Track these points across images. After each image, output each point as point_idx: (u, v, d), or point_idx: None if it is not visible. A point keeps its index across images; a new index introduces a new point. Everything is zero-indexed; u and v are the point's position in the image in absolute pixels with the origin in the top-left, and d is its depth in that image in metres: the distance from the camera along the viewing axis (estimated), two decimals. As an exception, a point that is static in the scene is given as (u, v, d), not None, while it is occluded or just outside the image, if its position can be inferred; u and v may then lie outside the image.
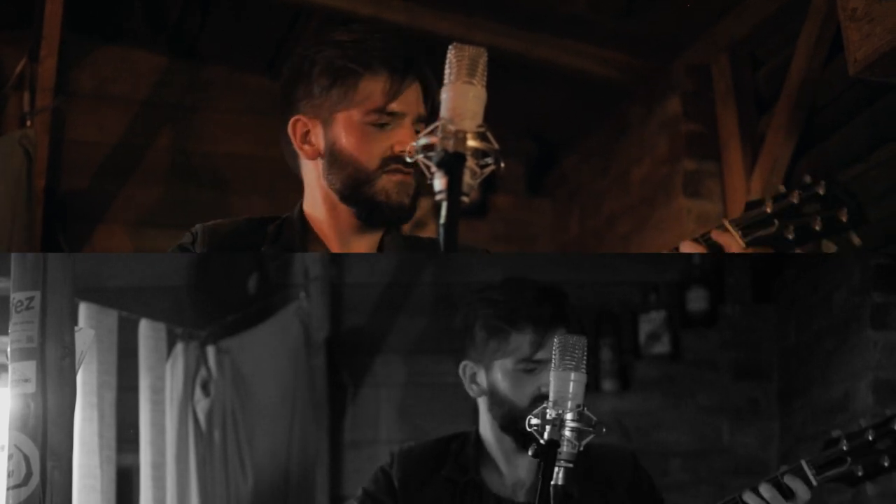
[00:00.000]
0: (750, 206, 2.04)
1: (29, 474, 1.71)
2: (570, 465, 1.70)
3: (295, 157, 2.09)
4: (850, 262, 2.75)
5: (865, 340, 2.63)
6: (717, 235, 1.97)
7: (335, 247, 2.07)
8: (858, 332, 2.67)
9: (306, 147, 2.05)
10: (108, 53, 4.45)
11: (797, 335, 3.11)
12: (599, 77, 4.03)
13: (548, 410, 1.71)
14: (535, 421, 1.72)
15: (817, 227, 2.00)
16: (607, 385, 3.27)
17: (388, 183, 1.98)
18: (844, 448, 1.92)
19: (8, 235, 3.74)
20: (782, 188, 2.05)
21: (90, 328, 2.22)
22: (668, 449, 3.18)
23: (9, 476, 1.73)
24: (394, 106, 1.97)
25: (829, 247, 2.03)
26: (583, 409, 1.71)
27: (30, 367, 1.74)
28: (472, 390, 2.09)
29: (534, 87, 4.20)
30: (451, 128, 1.48)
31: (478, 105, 1.50)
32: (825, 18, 3.07)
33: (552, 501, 1.67)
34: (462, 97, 1.50)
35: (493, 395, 2.06)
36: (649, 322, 3.31)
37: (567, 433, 1.70)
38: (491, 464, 2.09)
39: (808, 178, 2.05)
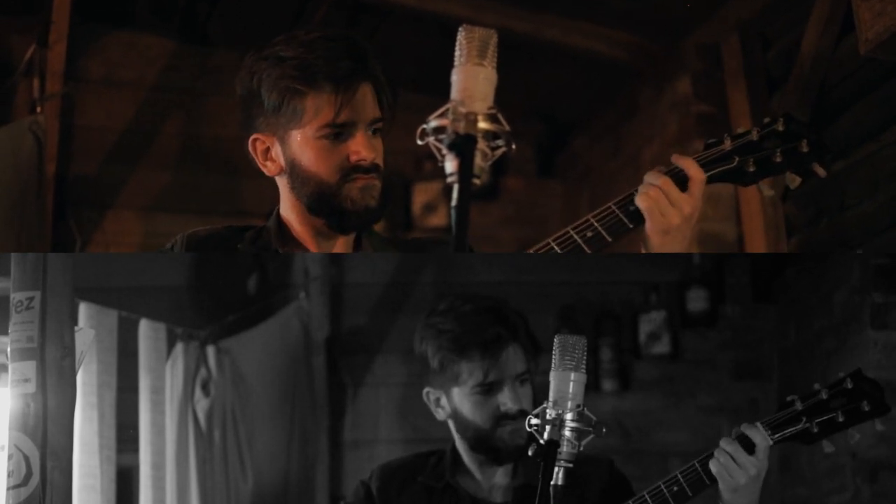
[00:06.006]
0: (709, 145, 2.05)
1: (29, 474, 1.72)
2: (570, 465, 1.70)
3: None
4: (850, 262, 2.75)
5: (865, 340, 2.63)
6: (677, 160, 1.99)
7: (313, 248, 2.09)
8: (858, 332, 2.67)
9: (269, 164, 2.06)
10: (117, 39, 4.45)
11: (797, 335, 3.11)
12: (609, 57, 4.01)
13: (548, 410, 1.71)
14: (534, 421, 1.72)
15: (778, 160, 2.02)
16: (607, 385, 3.27)
17: (351, 190, 1.99)
18: (799, 408, 1.93)
19: (19, 221, 3.75)
20: (742, 129, 2.07)
21: (90, 328, 2.22)
22: (668, 449, 3.18)
23: (9, 476, 1.73)
24: (343, 117, 1.98)
25: (794, 179, 2.04)
26: (583, 409, 1.71)
27: (30, 367, 1.74)
28: (438, 414, 2.12)
29: (542, 68, 4.18)
30: (462, 110, 1.46)
31: (488, 87, 1.49)
32: (836, -3, 3.04)
33: (552, 501, 1.67)
34: (472, 79, 1.49)
35: (458, 419, 2.09)
36: (649, 322, 3.30)
37: (567, 433, 1.70)
38: (466, 471, 2.12)
39: (766, 119, 2.06)
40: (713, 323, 3.28)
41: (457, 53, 1.51)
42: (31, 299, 1.75)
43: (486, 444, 2.06)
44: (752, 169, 2.02)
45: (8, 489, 1.73)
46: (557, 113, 4.80)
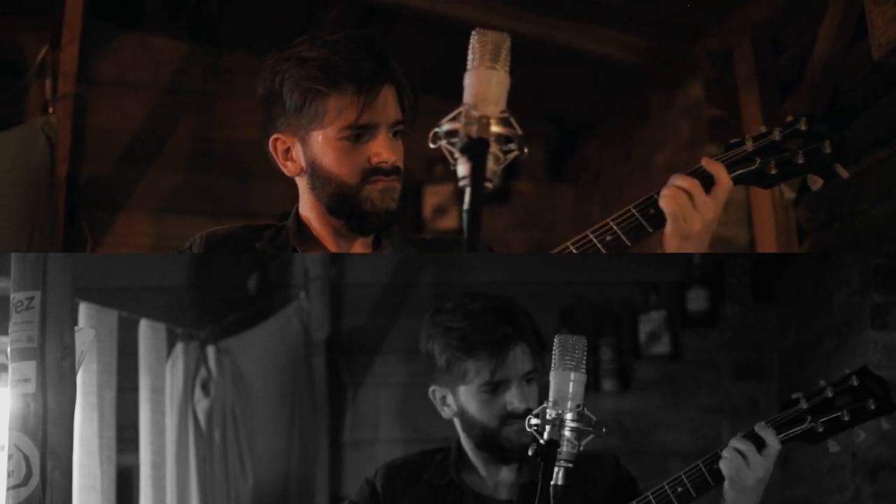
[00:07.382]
0: (730, 146, 2.03)
1: (29, 474, 1.72)
2: (570, 465, 1.70)
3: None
4: (851, 262, 2.75)
5: (865, 340, 2.62)
6: (707, 164, 1.97)
7: (332, 248, 2.09)
8: (858, 332, 2.67)
9: (289, 164, 2.07)
10: (129, 40, 4.47)
11: (797, 335, 3.11)
12: (619, 61, 4.01)
13: (548, 410, 1.71)
14: (534, 421, 1.72)
15: (800, 161, 1.99)
16: (607, 385, 3.27)
17: (371, 192, 2.00)
18: (804, 407, 1.92)
19: (31, 222, 3.76)
20: (764, 128, 2.04)
21: (90, 328, 2.22)
22: (668, 449, 3.18)
23: (9, 476, 1.73)
24: (365, 119, 1.98)
25: (816, 181, 2.02)
26: (583, 409, 1.71)
27: (30, 367, 1.74)
28: (444, 412, 2.13)
29: (553, 72, 4.18)
30: (475, 113, 1.46)
31: (501, 90, 1.49)
32: (848, 1, 3.02)
33: (552, 501, 1.67)
34: (485, 82, 1.49)
35: (464, 418, 2.09)
36: (649, 322, 3.30)
37: (567, 433, 1.70)
38: (471, 468, 2.12)
39: (789, 118, 2.04)
40: (713, 323, 3.28)
41: (469, 57, 1.51)
42: (31, 299, 1.75)
43: (493, 443, 2.07)
44: (773, 171, 1.99)
45: (8, 489, 1.73)
46: (568, 116, 4.80)
